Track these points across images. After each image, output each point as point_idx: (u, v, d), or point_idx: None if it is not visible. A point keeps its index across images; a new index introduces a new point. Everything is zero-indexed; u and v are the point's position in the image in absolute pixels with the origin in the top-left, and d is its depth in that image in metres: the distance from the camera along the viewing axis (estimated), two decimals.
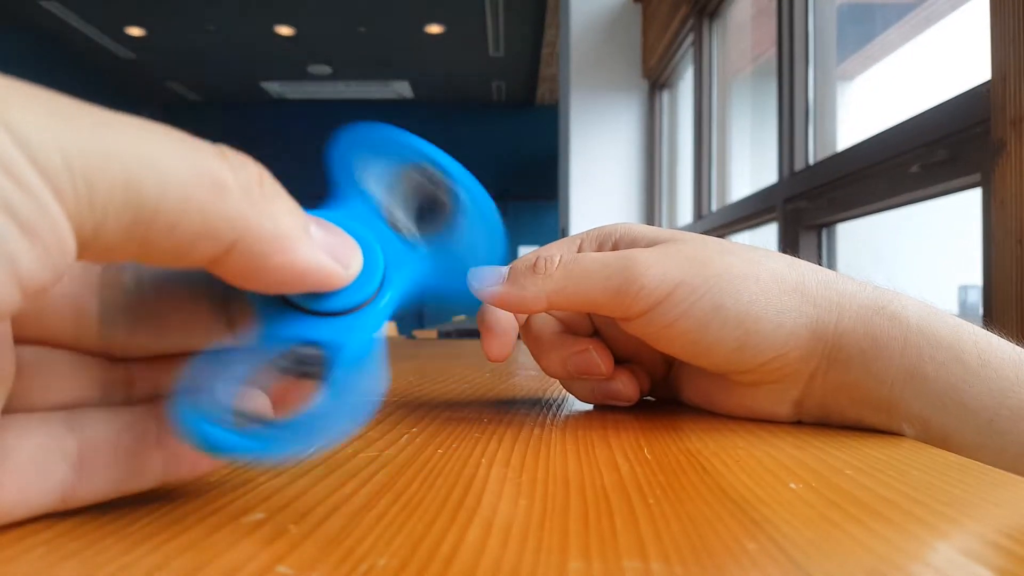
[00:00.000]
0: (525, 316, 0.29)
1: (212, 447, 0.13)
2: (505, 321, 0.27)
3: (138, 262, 0.12)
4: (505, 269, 0.25)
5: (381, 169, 0.17)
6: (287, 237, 0.13)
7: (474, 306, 0.26)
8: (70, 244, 0.11)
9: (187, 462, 0.14)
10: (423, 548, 0.12)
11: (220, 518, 0.14)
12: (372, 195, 0.17)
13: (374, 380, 0.14)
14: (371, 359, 0.15)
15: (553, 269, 0.24)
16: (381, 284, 0.16)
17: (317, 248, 0.14)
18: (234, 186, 0.12)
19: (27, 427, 0.14)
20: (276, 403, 0.15)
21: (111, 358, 0.16)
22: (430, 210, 0.17)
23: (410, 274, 0.16)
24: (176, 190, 0.11)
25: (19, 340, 0.14)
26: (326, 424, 0.13)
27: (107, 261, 0.13)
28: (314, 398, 0.14)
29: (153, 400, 0.15)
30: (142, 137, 0.11)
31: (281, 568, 0.11)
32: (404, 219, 0.17)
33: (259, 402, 0.15)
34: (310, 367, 0.14)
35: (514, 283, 0.24)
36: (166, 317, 0.16)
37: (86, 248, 0.11)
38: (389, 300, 0.16)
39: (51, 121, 0.10)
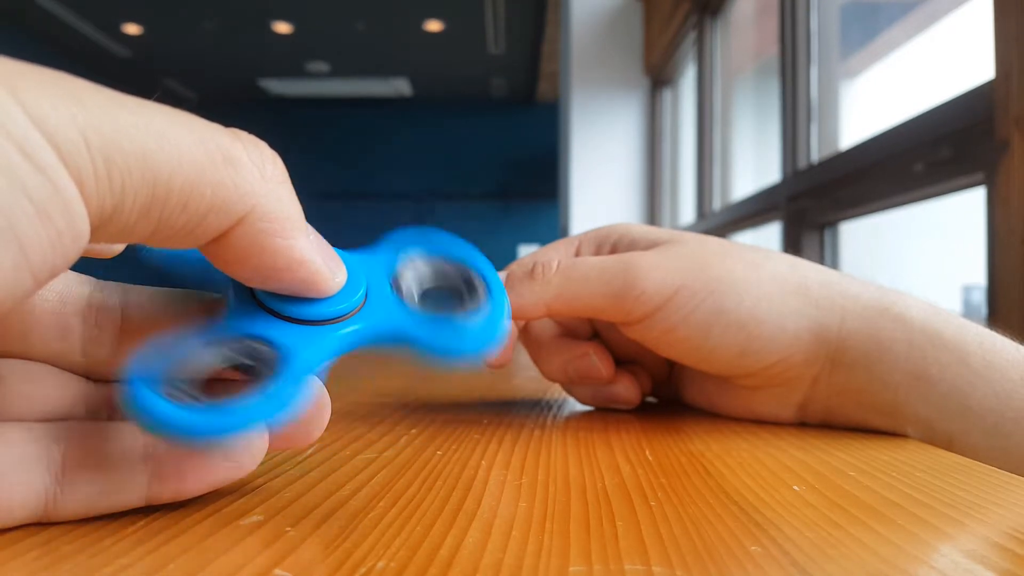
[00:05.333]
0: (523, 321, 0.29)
1: (149, 416, 0.13)
2: None
3: (146, 243, 0.12)
4: (502, 275, 0.25)
5: (417, 253, 0.18)
6: (290, 220, 0.13)
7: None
8: (83, 227, 0.11)
9: (172, 482, 0.14)
10: (422, 551, 0.12)
11: (217, 520, 0.14)
12: (392, 261, 0.17)
13: (304, 396, 0.14)
14: (313, 377, 0.15)
15: (551, 275, 0.24)
16: (354, 313, 0.16)
17: (312, 245, 0.14)
18: (247, 161, 0.12)
19: (10, 435, 0.13)
20: (209, 388, 0.15)
21: (94, 379, 0.16)
22: (441, 296, 0.18)
23: (389, 322, 0.16)
24: (191, 164, 0.11)
25: (1, 354, 0.14)
26: (255, 417, 0.13)
27: (118, 243, 0.13)
28: (249, 391, 0.13)
29: None
30: (154, 114, 0.11)
31: (279, 571, 0.11)
32: (409, 289, 0.17)
33: (201, 379, 0.14)
34: (256, 363, 0.14)
35: (511, 290, 0.24)
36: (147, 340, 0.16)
37: (100, 230, 0.11)
38: (358, 330, 0.16)
39: (66, 99, 0.10)
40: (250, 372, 0.14)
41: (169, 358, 0.14)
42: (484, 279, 0.18)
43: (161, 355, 0.13)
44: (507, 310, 0.17)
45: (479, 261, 0.18)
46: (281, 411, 0.13)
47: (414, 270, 0.18)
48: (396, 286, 0.17)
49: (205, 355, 0.14)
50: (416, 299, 0.17)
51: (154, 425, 0.13)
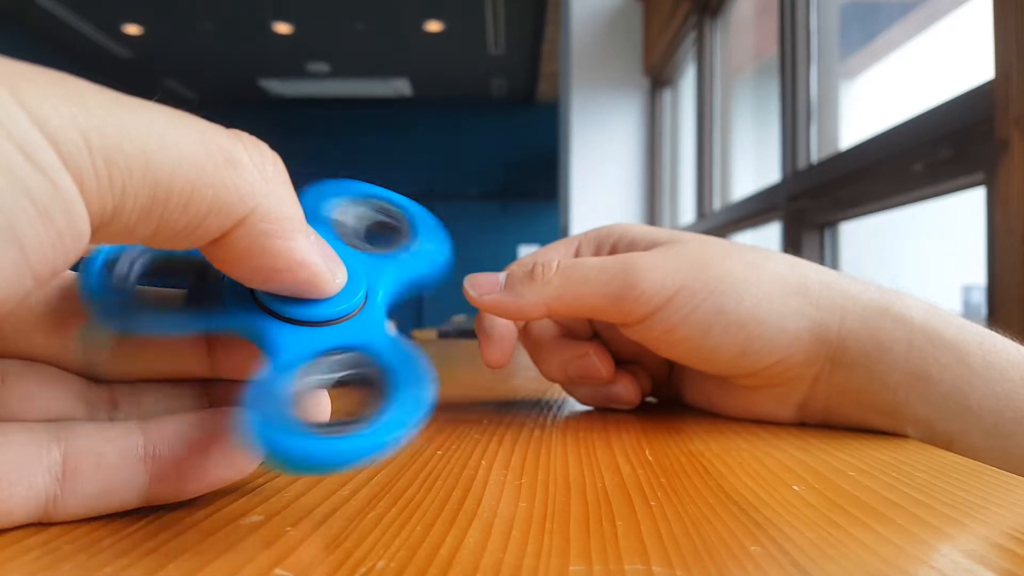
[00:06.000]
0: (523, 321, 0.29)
1: (288, 456, 0.12)
2: (503, 327, 0.27)
3: (147, 244, 0.12)
4: (502, 276, 0.25)
5: (334, 208, 0.19)
6: (291, 221, 0.13)
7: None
8: (84, 228, 0.11)
9: (172, 482, 0.14)
10: (422, 551, 0.12)
11: (218, 520, 0.14)
12: (328, 224, 0.18)
13: (423, 372, 0.14)
14: (410, 352, 0.15)
15: (551, 275, 0.24)
16: (354, 314, 0.16)
17: (312, 246, 0.14)
18: (248, 162, 0.12)
19: (10, 435, 0.13)
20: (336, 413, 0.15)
21: (95, 379, 0.16)
22: (377, 236, 0.19)
23: (383, 274, 0.17)
24: (191, 165, 0.12)
25: (1, 354, 0.14)
26: (399, 423, 0.13)
27: (119, 243, 0.13)
28: (379, 399, 0.13)
29: (139, 418, 0.15)
30: (156, 115, 0.11)
31: (279, 571, 0.11)
32: (356, 241, 0.18)
33: (323, 405, 0.15)
34: (358, 372, 0.14)
35: (511, 290, 0.24)
36: (149, 343, 0.16)
37: (100, 231, 0.11)
38: (382, 297, 0.16)
39: (67, 100, 0.10)
40: (364, 386, 0.14)
41: (278, 391, 0.13)
42: (405, 211, 0.19)
43: (269, 390, 0.13)
44: (436, 221, 0.19)
45: (394, 196, 0.20)
46: (412, 426, 0.13)
47: (348, 214, 0.19)
48: (340, 229, 0.18)
49: (310, 381, 0.14)
50: (363, 236, 0.18)
51: (293, 461, 0.12)
